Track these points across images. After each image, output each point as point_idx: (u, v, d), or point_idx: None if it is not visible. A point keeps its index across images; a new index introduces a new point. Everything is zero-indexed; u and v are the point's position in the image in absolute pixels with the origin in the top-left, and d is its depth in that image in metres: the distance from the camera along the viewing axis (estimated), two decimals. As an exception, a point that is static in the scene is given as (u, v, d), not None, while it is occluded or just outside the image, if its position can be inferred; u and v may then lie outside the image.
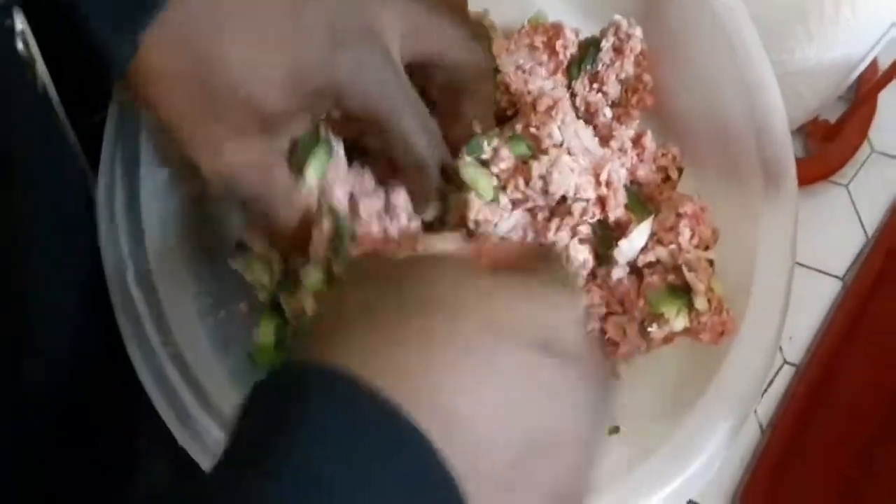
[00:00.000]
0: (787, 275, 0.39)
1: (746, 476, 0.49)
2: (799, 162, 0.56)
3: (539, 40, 0.43)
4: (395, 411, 0.21)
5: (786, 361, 0.52)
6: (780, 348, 0.52)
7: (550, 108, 0.38)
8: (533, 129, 0.37)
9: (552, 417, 0.24)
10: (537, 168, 0.36)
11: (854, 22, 0.49)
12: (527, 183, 0.37)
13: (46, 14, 0.41)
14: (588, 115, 0.42)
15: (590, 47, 0.43)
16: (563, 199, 0.37)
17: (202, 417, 0.33)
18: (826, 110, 0.56)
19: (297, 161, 0.34)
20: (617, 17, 0.43)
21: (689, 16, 0.44)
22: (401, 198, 0.35)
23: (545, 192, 0.37)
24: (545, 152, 0.36)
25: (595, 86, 0.43)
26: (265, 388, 0.23)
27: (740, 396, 0.37)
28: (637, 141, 0.42)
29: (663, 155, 0.43)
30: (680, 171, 0.43)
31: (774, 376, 0.52)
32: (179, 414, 0.33)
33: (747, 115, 0.42)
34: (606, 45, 0.43)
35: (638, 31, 0.42)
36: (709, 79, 0.44)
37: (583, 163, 0.37)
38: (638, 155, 0.41)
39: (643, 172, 0.41)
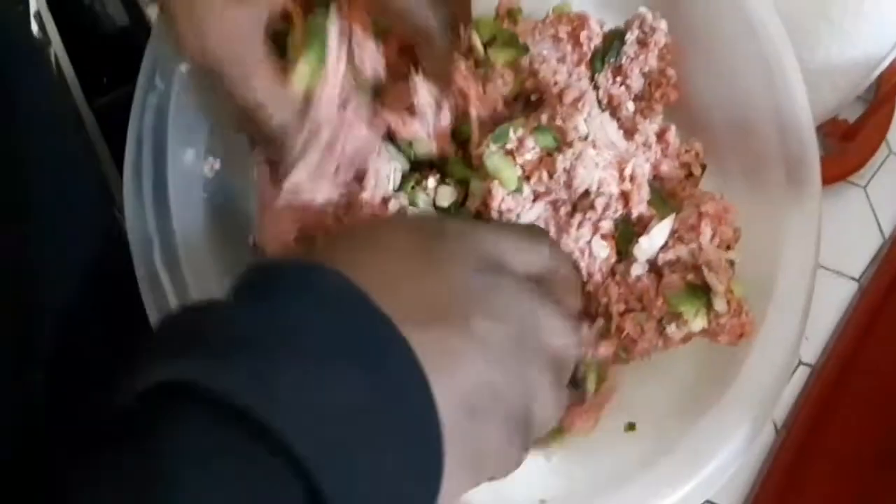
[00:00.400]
0: (810, 278, 0.39)
1: (761, 476, 0.48)
2: (817, 161, 0.57)
3: (563, 31, 0.43)
4: (374, 306, 0.25)
5: (801, 362, 0.52)
6: (796, 349, 0.52)
7: (577, 100, 0.38)
8: (559, 121, 0.37)
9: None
10: (561, 161, 0.36)
11: (876, 16, 0.49)
12: (550, 176, 0.36)
13: None
14: (611, 109, 0.42)
15: (614, 40, 0.43)
16: (586, 193, 0.37)
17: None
18: (845, 110, 0.56)
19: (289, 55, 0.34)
20: (642, 9, 0.43)
21: (714, 10, 0.43)
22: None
23: (568, 185, 0.36)
24: (570, 145, 0.36)
25: (618, 79, 0.42)
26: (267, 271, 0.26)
27: (759, 400, 0.37)
28: (661, 136, 0.41)
29: (686, 151, 0.42)
30: (703, 167, 0.42)
31: (790, 377, 0.51)
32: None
33: (772, 114, 0.41)
34: (631, 37, 0.42)
35: (663, 25, 0.42)
36: (734, 75, 0.43)
37: (607, 157, 0.37)
38: (662, 150, 0.41)
39: (666, 168, 0.41)
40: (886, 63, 0.52)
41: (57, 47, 0.43)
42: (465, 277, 0.28)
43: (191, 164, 0.37)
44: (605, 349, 0.37)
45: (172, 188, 0.35)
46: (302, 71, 0.34)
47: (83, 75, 0.42)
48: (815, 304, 0.52)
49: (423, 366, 0.24)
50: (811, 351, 0.52)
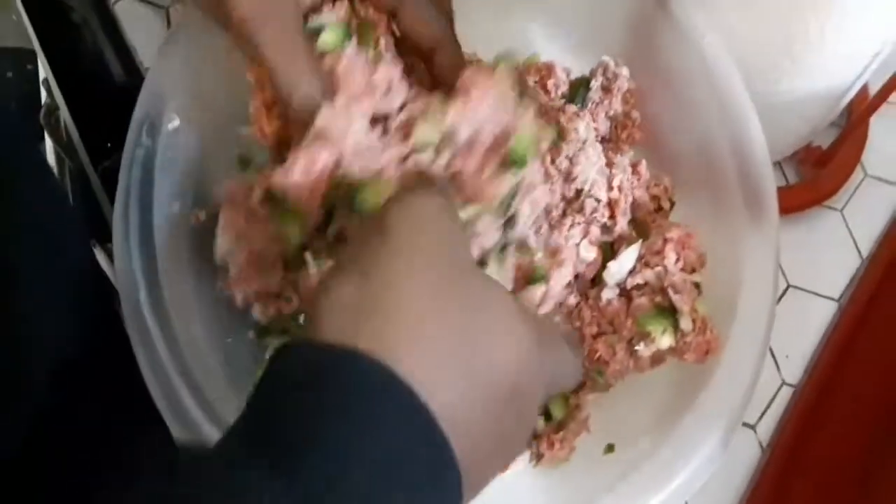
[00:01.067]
0: (771, 296, 0.41)
1: (747, 495, 0.50)
2: (793, 188, 0.59)
3: (532, 80, 0.46)
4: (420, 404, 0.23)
5: (784, 382, 0.53)
6: (779, 369, 0.54)
7: (576, 113, 0.42)
8: (563, 122, 0.41)
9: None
10: (566, 149, 0.40)
11: (840, 48, 0.50)
12: (553, 161, 0.40)
13: (71, 66, 0.44)
14: None
15: (580, 87, 0.46)
16: (578, 193, 0.40)
17: (214, 435, 0.35)
18: (818, 136, 0.58)
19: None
20: (605, 57, 0.46)
21: (675, 57, 0.46)
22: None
23: (567, 177, 0.39)
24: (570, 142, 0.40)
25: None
26: (280, 372, 0.24)
27: (729, 407, 0.39)
28: (634, 168, 0.44)
29: (656, 185, 0.45)
30: (671, 203, 0.45)
31: (774, 397, 0.53)
32: (190, 429, 0.35)
33: (730, 148, 0.44)
34: (595, 84, 0.45)
35: (625, 71, 0.45)
36: (695, 114, 0.46)
37: (601, 162, 0.40)
38: (636, 179, 0.44)
39: (640, 193, 0.44)
40: (854, 92, 0.54)
41: (63, 110, 0.47)
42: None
43: (176, 216, 0.40)
44: None
45: (159, 241, 0.38)
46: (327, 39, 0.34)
47: (88, 140, 0.46)
48: (795, 325, 0.55)
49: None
50: (793, 371, 0.54)
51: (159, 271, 0.37)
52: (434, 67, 0.37)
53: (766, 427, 0.52)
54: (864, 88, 0.58)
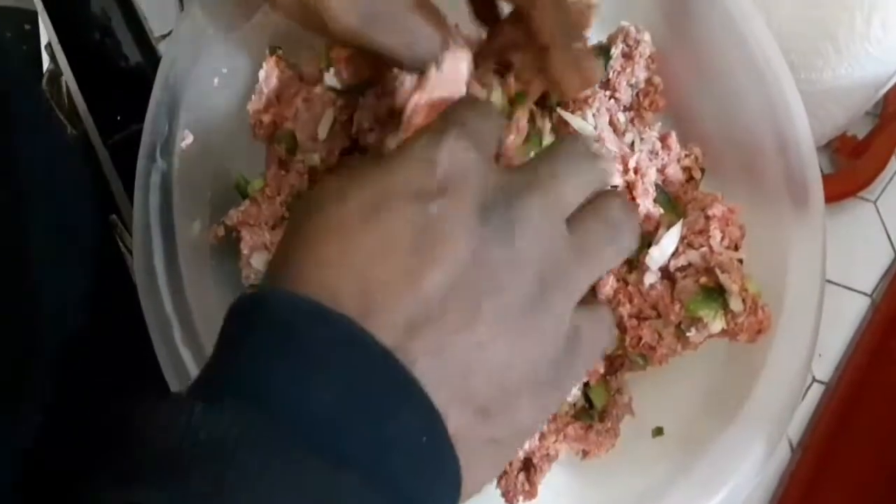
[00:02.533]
0: (818, 296, 0.39)
1: (777, 496, 0.48)
2: (827, 178, 0.57)
3: None
4: (361, 331, 0.23)
5: (815, 379, 0.52)
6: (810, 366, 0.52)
7: (587, 97, 0.39)
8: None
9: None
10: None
11: (884, 38, 0.49)
12: None
13: (77, 31, 0.42)
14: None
15: (599, 55, 0.44)
16: None
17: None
18: (853, 126, 0.56)
19: None
20: (624, 23, 0.44)
21: (713, 34, 0.44)
22: None
23: None
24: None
25: (607, 93, 0.43)
26: (230, 315, 0.25)
27: (772, 419, 0.37)
28: (664, 141, 0.42)
29: (686, 156, 0.43)
30: (702, 171, 0.43)
31: (804, 394, 0.51)
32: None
33: (773, 134, 0.42)
34: (616, 52, 0.43)
35: (646, 37, 0.43)
36: (734, 97, 0.44)
37: (613, 149, 0.38)
38: (667, 154, 0.42)
39: (672, 170, 0.42)
40: (893, 82, 0.53)
41: (68, 78, 0.44)
42: (462, 238, 0.25)
43: (197, 235, 0.38)
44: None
45: (184, 265, 0.36)
46: None
47: (97, 112, 0.43)
48: (827, 320, 0.52)
49: (426, 394, 0.23)
50: (824, 368, 0.52)
51: (190, 306, 0.35)
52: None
53: (797, 426, 0.50)
54: (902, 78, 0.56)
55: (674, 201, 0.41)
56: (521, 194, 0.27)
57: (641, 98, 0.44)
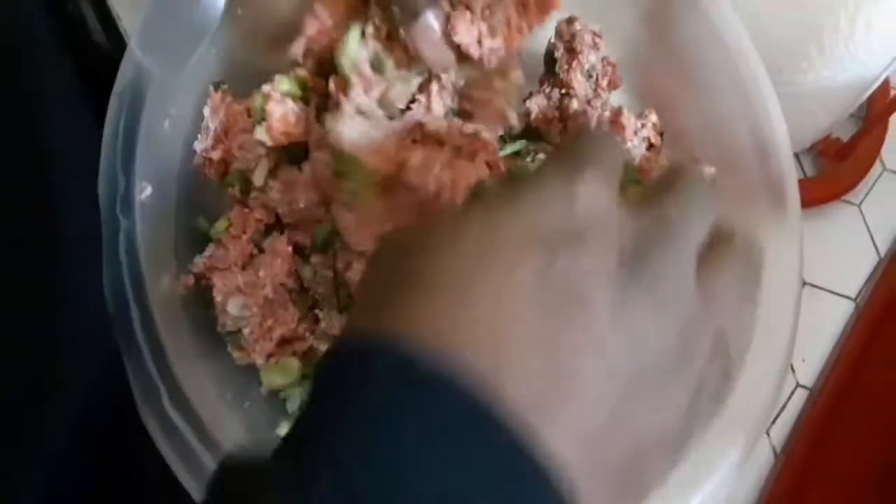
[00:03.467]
0: (796, 298, 0.38)
1: (761, 502, 0.48)
2: (811, 181, 0.57)
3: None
4: (486, 395, 0.19)
5: (799, 384, 0.51)
6: (793, 371, 0.51)
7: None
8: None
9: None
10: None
11: (868, 39, 0.48)
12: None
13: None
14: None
15: (549, 60, 0.44)
16: None
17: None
18: (838, 128, 0.56)
19: None
20: (557, 22, 0.43)
21: (693, 39, 0.44)
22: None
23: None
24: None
25: (563, 90, 0.43)
26: (328, 371, 0.21)
27: (748, 423, 0.36)
28: (615, 121, 0.41)
29: (643, 126, 0.43)
30: (661, 134, 0.43)
31: (788, 400, 0.51)
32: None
33: (751, 138, 0.42)
34: (559, 52, 0.43)
35: (577, 24, 0.42)
36: (714, 101, 0.43)
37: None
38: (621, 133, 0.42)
39: (630, 147, 0.42)
40: (878, 84, 0.52)
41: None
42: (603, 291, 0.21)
43: (167, 289, 0.36)
44: None
45: (160, 325, 0.34)
46: None
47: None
48: (811, 325, 0.52)
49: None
50: (808, 373, 0.51)
51: (172, 367, 0.34)
52: None
53: (780, 432, 0.50)
54: (886, 81, 0.56)
55: (640, 176, 0.41)
56: (658, 244, 0.23)
57: (600, 79, 0.43)
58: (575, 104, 0.42)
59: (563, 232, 0.21)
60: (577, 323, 0.20)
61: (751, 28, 0.46)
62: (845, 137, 0.56)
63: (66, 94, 0.37)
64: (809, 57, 0.50)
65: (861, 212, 0.56)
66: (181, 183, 0.39)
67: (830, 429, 0.49)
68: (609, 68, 0.43)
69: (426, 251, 0.21)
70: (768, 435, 0.50)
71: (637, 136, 0.42)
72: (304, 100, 0.36)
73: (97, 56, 0.47)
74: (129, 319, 0.34)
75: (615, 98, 0.44)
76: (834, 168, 0.56)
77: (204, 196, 0.39)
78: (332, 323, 0.36)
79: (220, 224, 0.38)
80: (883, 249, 0.55)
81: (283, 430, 0.37)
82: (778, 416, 0.50)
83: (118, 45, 0.45)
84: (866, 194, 0.56)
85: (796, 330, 0.38)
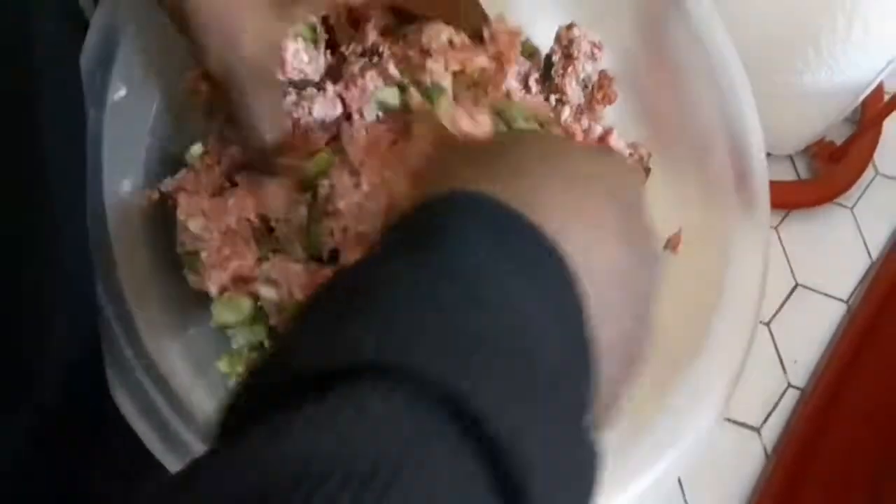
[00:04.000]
0: (760, 285, 0.39)
1: (752, 502, 0.47)
2: (805, 183, 0.57)
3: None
4: (539, 231, 0.23)
5: (790, 385, 0.51)
6: (785, 371, 0.51)
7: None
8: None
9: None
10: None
11: (865, 41, 0.49)
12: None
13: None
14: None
15: (547, 63, 0.43)
16: None
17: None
18: (831, 132, 0.56)
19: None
20: (559, 26, 0.43)
21: (680, 46, 0.44)
22: None
23: None
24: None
25: (554, 96, 0.42)
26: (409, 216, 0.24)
27: (715, 393, 0.36)
28: (603, 140, 0.41)
29: (630, 154, 0.43)
30: (647, 171, 0.43)
31: (779, 400, 0.51)
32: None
33: (726, 138, 0.42)
34: (556, 56, 0.43)
35: (577, 31, 0.42)
36: (692, 99, 0.44)
37: None
38: None
39: None
40: (873, 87, 0.53)
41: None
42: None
43: (127, 195, 0.36)
44: None
45: (112, 223, 0.34)
46: None
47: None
48: (803, 326, 0.53)
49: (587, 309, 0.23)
50: (800, 374, 0.51)
51: (117, 264, 0.34)
52: None
53: (772, 432, 0.50)
54: (881, 86, 0.57)
55: None
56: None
57: (595, 91, 0.43)
58: (567, 112, 0.42)
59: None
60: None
61: (748, 29, 0.46)
62: (839, 141, 0.56)
63: (62, 80, 0.36)
64: (806, 58, 0.50)
65: (854, 215, 0.56)
66: (165, 100, 0.38)
67: (822, 429, 0.49)
68: (605, 81, 0.43)
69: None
70: (760, 435, 0.49)
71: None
72: (314, 42, 0.36)
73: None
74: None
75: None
76: (827, 171, 0.56)
77: (184, 114, 0.38)
78: (279, 266, 0.36)
79: (196, 149, 0.37)
80: (875, 252, 0.55)
81: (224, 363, 0.36)
82: (769, 416, 0.50)
83: (76, 21, 0.44)
84: (859, 197, 0.57)
85: (758, 315, 0.38)
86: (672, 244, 0.41)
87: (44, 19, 0.32)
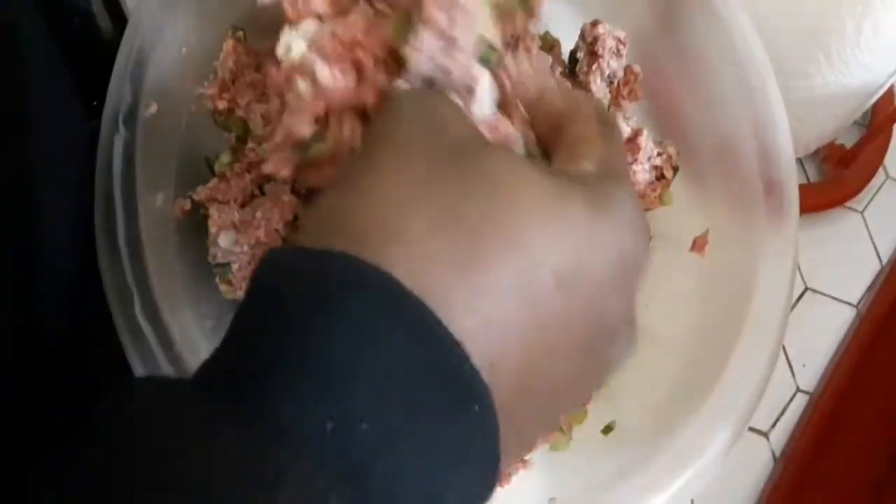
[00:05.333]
0: (787, 293, 0.38)
1: (759, 506, 0.47)
2: (814, 186, 0.57)
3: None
4: (426, 308, 0.19)
5: (799, 389, 0.51)
6: (794, 375, 0.51)
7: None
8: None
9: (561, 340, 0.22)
10: None
11: (875, 44, 0.48)
12: None
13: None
14: None
15: (573, 59, 0.43)
16: None
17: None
18: (842, 135, 0.56)
19: None
20: (584, 23, 0.43)
21: (701, 38, 0.43)
22: None
23: None
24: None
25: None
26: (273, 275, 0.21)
27: (735, 412, 0.36)
28: (632, 141, 0.41)
29: (659, 154, 0.42)
30: (675, 170, 0.43)
31: (788, 404, 0.50)
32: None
33: (754, 140, 0.41)
34: (581, 53, 0.43)
35: (602, 28, 0.42)
36: (720, 102, 0.43)
37: None
38: (634, 157, 0.41)
39: (638, 170, 0.41)
40: (883, 90, 0.52)
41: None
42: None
43: (161, 207, 0.36)
44: None
45: (146, 237, 0.34)
46: None
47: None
48: (812, 330, 0.52)
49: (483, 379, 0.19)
50: (809, 379, 0.51)
51: (151, 279, 0.34)
52: None
53: (780, 435, 0.50)
54: (891, 89, 0.56)
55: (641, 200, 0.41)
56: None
57: (621, 87, 0.43)
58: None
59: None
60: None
61: (757, 32, 0.46)
62: (849, 144, 0.56)
63: (50, 74, 0.37)
64: (816, 62, 0.50)
65: (864, 219, 0.56)
66: (190, 110, 0.39)
67: (830, 434, 0.49)
68: (631, 77, 0.43)
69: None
70: (767, 438, 0.49)
71: (649, 162, 0.42)
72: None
73: (100, 41, 0.46)
74: (113, 223, 0.34)
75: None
76: (837, 174, 0.56)
77: (213, 126, 0.39)
78: None
79: (225, 157, 0.38)
80: (885, 257, 0.55)
81: None
82: (777, 420, 0.50)
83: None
84: (869, 201, 0.57)
85: (785, 326, 0.38)
86: (697, 246, 0.41)
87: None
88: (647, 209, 0.41)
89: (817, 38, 0.49)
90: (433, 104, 0.25)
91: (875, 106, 0.56)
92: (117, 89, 0.36)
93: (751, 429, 0.50)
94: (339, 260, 0.19)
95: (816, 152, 0.56)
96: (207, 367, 0.20)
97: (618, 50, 0.42)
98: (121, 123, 0.35)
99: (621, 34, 0.42)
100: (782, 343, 0.38)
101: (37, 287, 0.32)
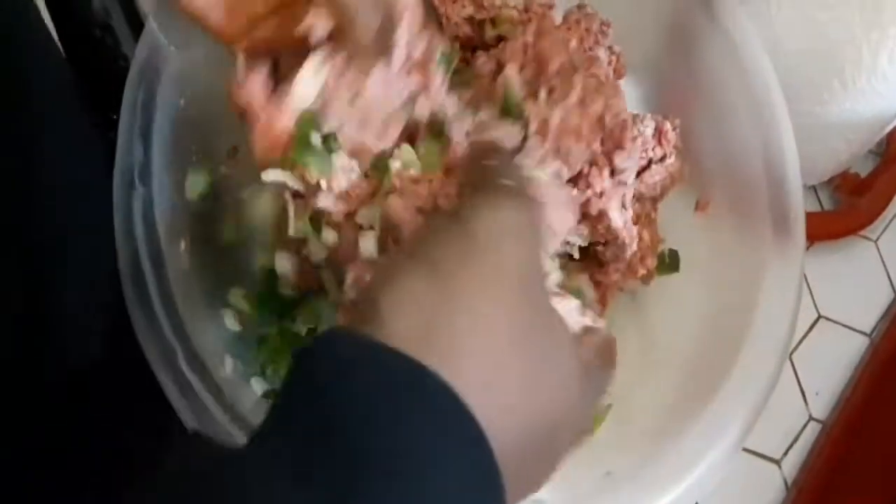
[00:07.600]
0: (791, 315, 0.38)
1: (771, 536, 0.47)
2: (828, 215, 0.57)
3: None
4: (452, 393, 0.21)
5: (812, 418, 0.51)
6: (807, 404, 0.51)
7: None
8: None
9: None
10: None
11: (890, 72, 0.49)
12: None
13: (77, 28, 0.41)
14: None
15: None
16: None
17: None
18: (856, 164, 0.56)
19: None
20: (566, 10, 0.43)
21: (715, 65, 0.44)
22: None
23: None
24: None
25: None
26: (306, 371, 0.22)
27: (737, 424, 0.36)
28: (661, 136, 0.41)
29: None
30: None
31: (800, 432, 0.50)
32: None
33: (763, 166, 0.41)
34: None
35: (588, 10, 0.42)
36: (731, 129, 0.43)
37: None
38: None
39: (656, 171, 0.41)
40: (898, 120, 0.52)
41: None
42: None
43: (183, 254, 0.36)
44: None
45: (175, 289, 0.34)
46: None
47: (93, 110, 0.42)
48: (825, 359, 0.52)
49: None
50: (822, 407, 0.51)
51: (187, 329, 0.34)
52: None
53: (792, 465, 0.49)
54: (906, 118, 0.56)
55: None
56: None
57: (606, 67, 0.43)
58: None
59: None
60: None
61: (772, 58, 0.46)
62: (863, 173, 0.56)
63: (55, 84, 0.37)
64: (831, 88, 0.50)
65: (878, 248, 0.56)
66: (221, 103, 0.39)
67: (843, 463, 0.48)
68: (613, 57, 0.43)
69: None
70: (780, 467, 0.49)
71: (664, 164, 0.42)
72: None
73: (120, 55, 0.47)
74: (144, 285, 0.34)
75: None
76: (851, 203, 0.56)
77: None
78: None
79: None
80: (899, 286, 0.55)
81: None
82: (790, 448, 0.50)
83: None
84: (883, 230, 0.56)
85: (789, 347, 0.37)
86: (700, 206, 0.42)
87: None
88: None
89: (834, 64, 0.50)
90: (530, 234, 0.26)
91: (890, 135, 0.56)
92: (127, 149, 0.36)
93: (763, 456, 0.49)
94: (441, 390, 0.21)
95: (830, 180, 0.56)
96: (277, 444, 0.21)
97: (602, 31, 0.42)
98: (136, 181, 0.35)
99: (605, 19, 0.42)
100: (787, 355, 0.38)
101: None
